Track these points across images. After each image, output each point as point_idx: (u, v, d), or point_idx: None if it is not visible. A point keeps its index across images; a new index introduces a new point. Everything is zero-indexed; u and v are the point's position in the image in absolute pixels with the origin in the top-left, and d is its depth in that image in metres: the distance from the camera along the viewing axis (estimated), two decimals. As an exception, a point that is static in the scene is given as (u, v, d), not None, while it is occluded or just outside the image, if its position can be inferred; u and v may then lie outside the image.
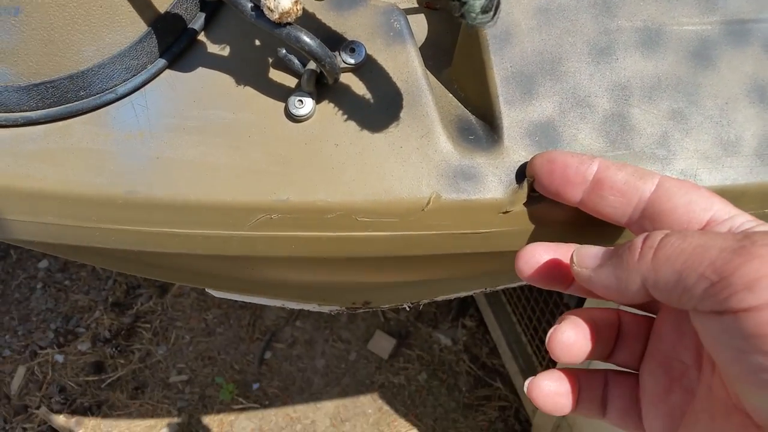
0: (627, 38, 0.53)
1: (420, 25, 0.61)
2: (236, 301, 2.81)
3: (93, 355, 2.66)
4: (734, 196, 0.52)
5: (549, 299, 2.18)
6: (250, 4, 0.44)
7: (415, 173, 0.50)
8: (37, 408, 2.48)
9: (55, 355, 2.66)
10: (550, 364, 2.22)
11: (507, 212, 0.51)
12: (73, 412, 2.49)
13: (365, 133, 0.51)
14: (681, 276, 0.33)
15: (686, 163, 0.51)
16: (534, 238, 0.53)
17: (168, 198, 0.50)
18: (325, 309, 0.86)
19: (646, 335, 0.45)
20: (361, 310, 0.86)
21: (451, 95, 0.56)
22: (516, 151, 0.51)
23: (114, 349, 2.66)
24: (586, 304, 1.79)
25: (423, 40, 0.60)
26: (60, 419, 2.45)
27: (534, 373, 2.44)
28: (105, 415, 2.47)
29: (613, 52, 0.52)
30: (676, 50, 0.53)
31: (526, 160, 0.51)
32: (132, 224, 0.52)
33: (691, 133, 0.52)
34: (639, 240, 0.38)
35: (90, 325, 2.77)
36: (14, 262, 3.03)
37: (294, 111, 0.51)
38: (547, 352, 2.23)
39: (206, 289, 0.79)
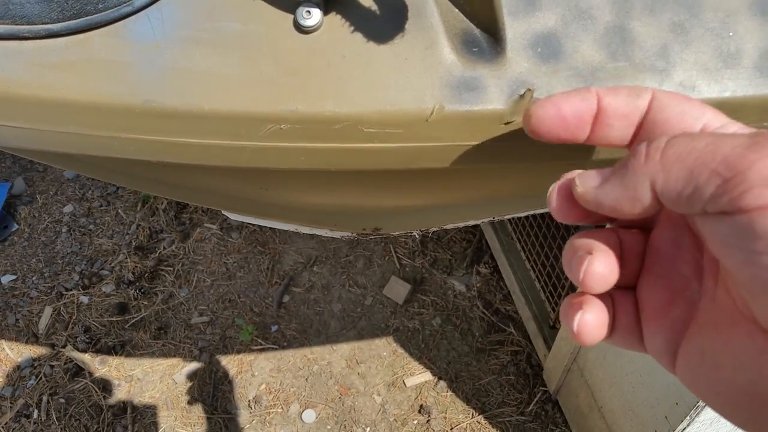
0: (632, -49, 0.53)
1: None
2: (256, 239, 2.87)
3: (117, 296, 2.75)
4: (733, 108, 0.53)
5: (563, 244, 2.19)
6: None
7: (419, 84, 0.52)
8: (63, 347, 2.58)
9: (81, 297, 2.75)
10: (562, 309, 2.25)
11: (509, 123, 0.53)
12: (98, 351, 2.58)
13: (371, 44, 0.53)
14: (692, 174, 0.31)
15: (685, 75, 0.52)
16: (535, 150, 0.55)
17: (183, 107, 0.52)
18: (337, 234, 0.89)
19: (642, 252, 0.44)
20: (372, 236, 0.88)
21: (456, 10, 0.57)
22: (518, 62, 0.52)
23: (137, 291, 2.75)
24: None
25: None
26: (85, 357, 2.55)
27: (546, 318, 2.45)
28: (128, 354, 2.57)
29: (618, -35, 0.53)
30: (681, -37, 0.53)
31: (528, 71, 0.52)
32: (149, 133, 0.54)
33: (691, 45, 0.53)
34: (643, 144, 0.36)
35: (114, 268, 2.86)
36: (40, 206, 3.11)
37: (302, 22, 0.52)
38: (559, 297, 2.24)
39: (222, 212, 0.82)
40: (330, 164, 0.57)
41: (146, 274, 2.82)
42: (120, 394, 2.46)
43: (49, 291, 2.78)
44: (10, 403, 2.42)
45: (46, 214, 3.09)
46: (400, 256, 2.85)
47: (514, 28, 0.52)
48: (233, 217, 0.84)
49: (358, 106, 0.52)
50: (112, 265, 2.87)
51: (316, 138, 0.54)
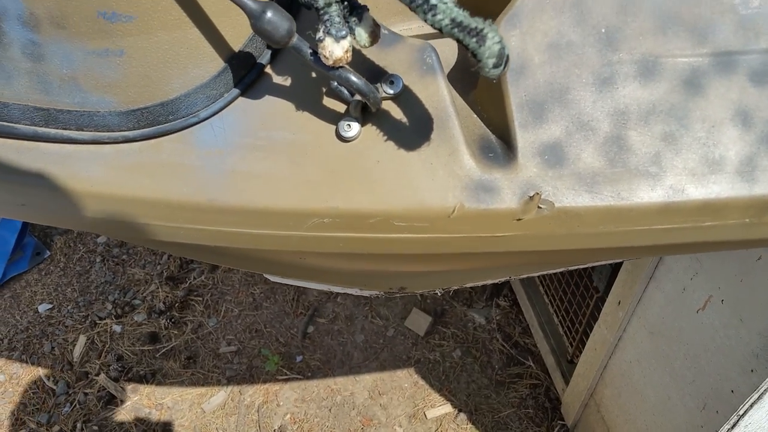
0: (627, 69, 0.61)
1: (452, 47, 0.71)
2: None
3: (148, 326, 2.85)
4: (717, 208, 0.60)
5: (580, 282, 2.25)
6: (309, 51, 0.54)
7: (443, 186, 0.61)
8: (97, 375, 2.68)
9: (113, 326, 2.86)
10: (579, 345, 2.30)
11: (520, 220, 0.61)
12: (130, 380, 2.68)
13: (402, 151, 0.61)
14: None
15: (675, 179, 0.60)
16: (542, 241, 0.63)
17: (241, 204, 0.62)
18: (366, 293, 0.98)
19: None
20: (398, 295, 0.97)
21: (475, 116, 0.66)
22: (528, 168, 0.61)
23: (168, 321, 2.85)
24: (616, 284, 1.86)
25: (454, 62, 0.70)
26: (117, 386, 2.64)
27: (564, 353, 2.50)
28: (159, 383, 2.66)
29: (614, 82, 0.61)
30: (670, 79, 0.61)
31: (537, 176, 0.60)
32: (211, 225, 0.63)
33: (681, 152, 0.60)
34: None
35: (146, 298, 2.97)
36: (75, 236, 3.24)
37: (343, 133, 0.61)
38: (576, 332, 2.30)
39: (264, 275, 0.91)
40: (364, 249, 0.65)
41: (176, 304, 2.92)
42: (150, 422, 2.55)
43: (83, 320, 2.90)
44: (46, 429, 2.52)
45: (81, 243, 3.22)
46: (418, 294, 2.92)
47: (525, 138, 0.61)
48: (273, 279, 0.93)
49: (390, 204, 0.61)
50: (144, 294, 2.98)
51: (353, 229, 0.63)
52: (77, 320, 2.90)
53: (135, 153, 0.64)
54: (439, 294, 1.02)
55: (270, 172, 0.62)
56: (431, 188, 0.61)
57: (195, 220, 0.63)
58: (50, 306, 2.96)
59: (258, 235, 0.64)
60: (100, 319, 2.89)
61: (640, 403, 1.83)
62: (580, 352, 2.21)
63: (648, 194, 0.60)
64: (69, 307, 2.96)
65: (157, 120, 0.63)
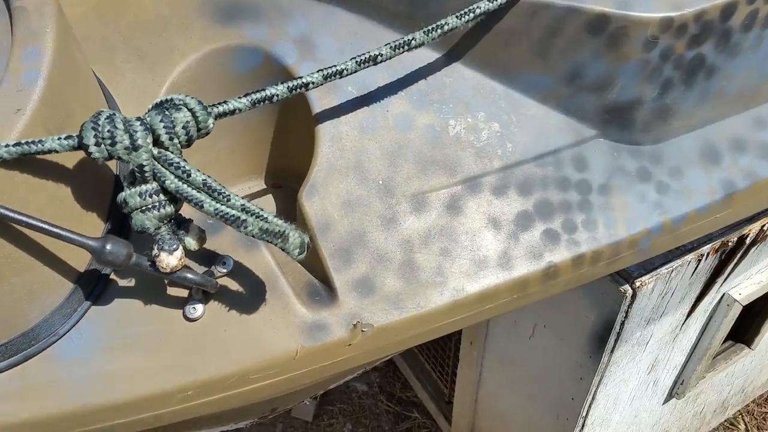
0: (404, 207, 0.79)
1: (269, 203, 0.85)
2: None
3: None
4: (490, 295, 0.79)
5: (437, 330, 2.45)
6: (148, 263, 0.66)
7: (283, 335, 0.74)
8: None
9: None
10: (452, 385, 2.50)
11: (350, 345, 0.75)
12: None
13: (244, 316, 0.74)
14: None
15: (456, 282, 0.78)
16: (374, 352, 0.77)
17: (111, 401, 0.70)
18: (241, 424, 1.07)
19: None
20: (271, 416, 1.07)
21: (299, 265, 0.80)
22: (348, 302, 0.75)
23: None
24: (465, 332, 2.08)
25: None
26: None
27: (442, 395, 2.68)
28: None
29: (397, 219, 0.79)
30: (437, 207, 0.80)
31: (356, 307, 0.75)
32: (89, 425, 0.71)
33: (456, 261, 0.79)
34: None
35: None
36: None
37: (190, 315, 0.72)
38: (447, 374, 2.49)
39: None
40: (228, 404, 0.76)
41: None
42: None
43: None
44: None
45: None
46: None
47: (340, 279, 0.76)
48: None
49: (243, 362, 0.73)
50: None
51: (215, 392, 0.74)
52: None
53: (5, 383, 0.70)
54: (307, 403, 1.11)
55: (131, 366, 0.71)
56: (274, 340, 0.73)
57: (72, 426, 0.70)
58: None
59: (131, 421, 0.72)
60: None
61: (513, 427, 2.05)
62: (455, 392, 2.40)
63: (439, 299, 0.77)
64: None
65: (21, 348, 0.70)
